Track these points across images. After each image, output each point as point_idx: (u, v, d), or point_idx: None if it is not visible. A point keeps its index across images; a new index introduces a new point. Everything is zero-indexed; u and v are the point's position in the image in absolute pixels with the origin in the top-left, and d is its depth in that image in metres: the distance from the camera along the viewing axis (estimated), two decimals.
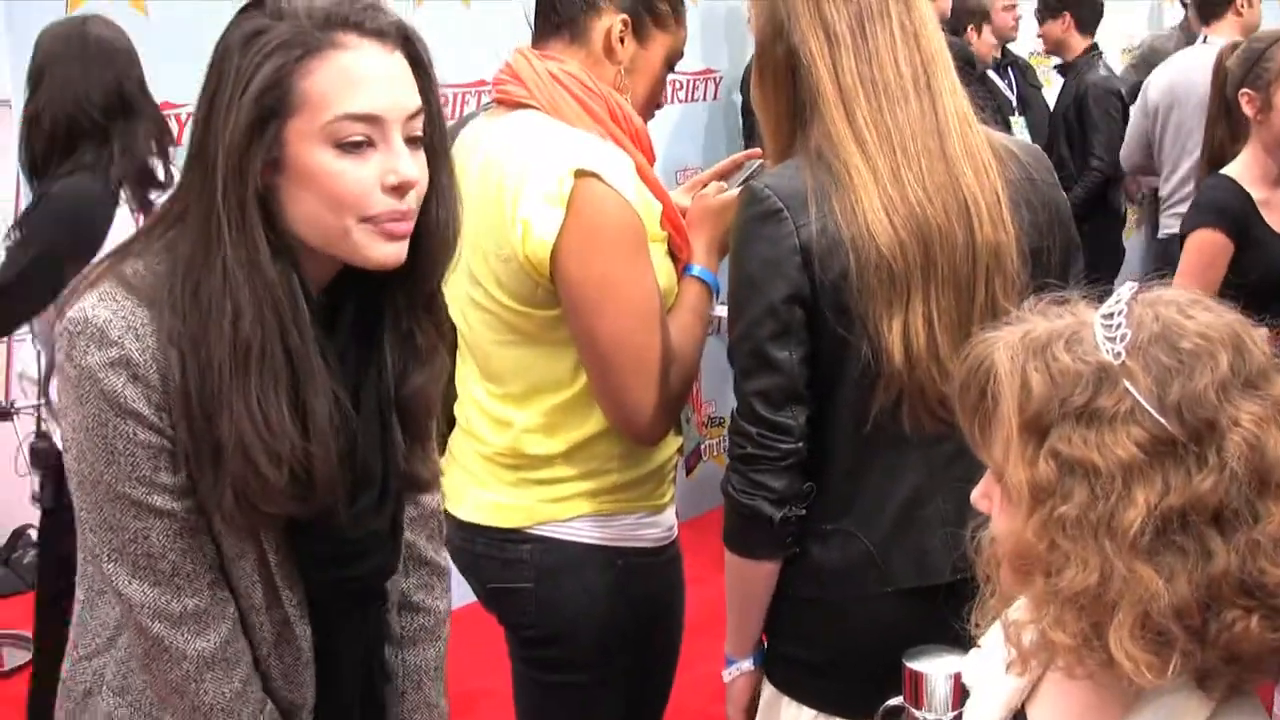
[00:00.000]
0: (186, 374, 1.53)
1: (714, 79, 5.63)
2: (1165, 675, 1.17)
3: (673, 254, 2.28)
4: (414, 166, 1.56)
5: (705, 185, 2.43)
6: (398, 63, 1.56)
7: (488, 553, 2.28)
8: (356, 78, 1.52)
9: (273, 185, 1.54)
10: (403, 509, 1.79)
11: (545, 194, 2.07)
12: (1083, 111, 5.96)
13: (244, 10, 1.56)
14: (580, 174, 2.07)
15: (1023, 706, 1.39)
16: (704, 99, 5.60)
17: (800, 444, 1.98)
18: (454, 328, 1.96)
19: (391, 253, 1.58)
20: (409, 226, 1.59)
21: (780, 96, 2.05)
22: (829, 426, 2.02)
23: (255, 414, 1.53)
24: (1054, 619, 1.21)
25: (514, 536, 2.26)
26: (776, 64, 2.04)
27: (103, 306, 1.53)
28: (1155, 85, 5.30)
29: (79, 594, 1.70)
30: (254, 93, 1.50)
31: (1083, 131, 5.97)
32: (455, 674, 3.79)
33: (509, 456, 2.26)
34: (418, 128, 1.58)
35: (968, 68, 2.12)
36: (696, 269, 2.28)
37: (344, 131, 1.52)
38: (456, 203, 1.68)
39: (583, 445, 2.23)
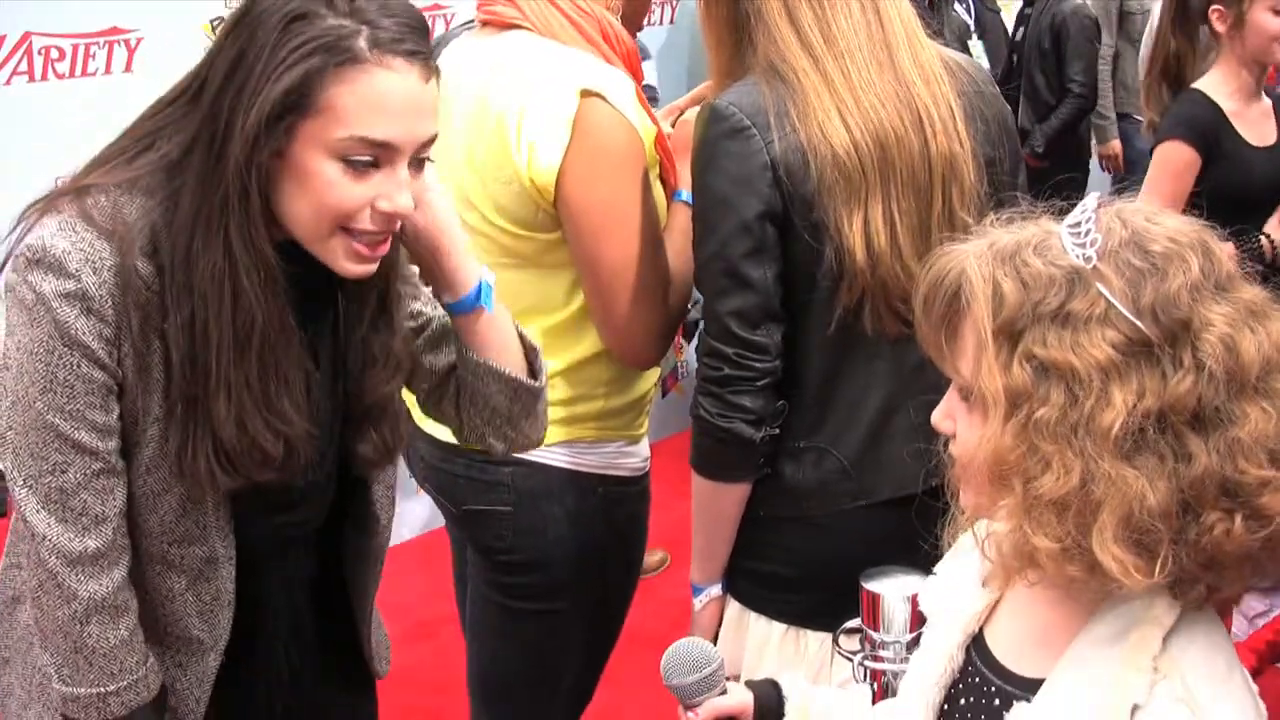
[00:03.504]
0: (167, 337, 1.54)
1: (670, 2, 5.57)
2: (1153, 575, 1.17)
3: (662, 179, 2.27)
4: (410, 199, 1.57)
5: (684, 111, 2.41)
6: (431, 89, 1.56)
7: (467, 474, 2.27)
8: (384, 103, 1.51)
9: (270, 170, 1.53)
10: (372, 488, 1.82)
11: (550, 115, 2.05)
12: (1060, 39, 6.07)
13: None
14: (586, 94, 2.06)
15: (980, 630, 1.39)
16: (661, 23, 5.55)
17: (777, 362, 1.99)
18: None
19: (361, 271, 1.60)
20: (385, 249, 1.60)
21: (721, 11, 2.06)
22: (801, 344, 2.02)
23: (256, 392, 1.55)
24: (1036, 524, 1.20)
25: (495, 459, 2.23)
26: None
27: (62, 236, 1.52)
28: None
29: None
30: (282, 89, 1.48)
31: (1060, 59, 6.09)
32: (417, 600, 3.83)
33: None
34: (426, 150, 1.58)
35: None
36: (685, 194, 2.25)
37: (354, 151, 1.52)
38: None
39: (573, 369, 2.22)
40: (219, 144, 1.51)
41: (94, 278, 1.52)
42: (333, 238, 1.57)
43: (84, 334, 1.53)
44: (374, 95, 1.50)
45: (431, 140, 1.58)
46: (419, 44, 1.54)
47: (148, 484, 1.63)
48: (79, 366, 1.54)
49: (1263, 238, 3.26)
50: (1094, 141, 6.56)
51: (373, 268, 1.61)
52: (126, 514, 1.63)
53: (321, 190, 1.53)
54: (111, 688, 1.63)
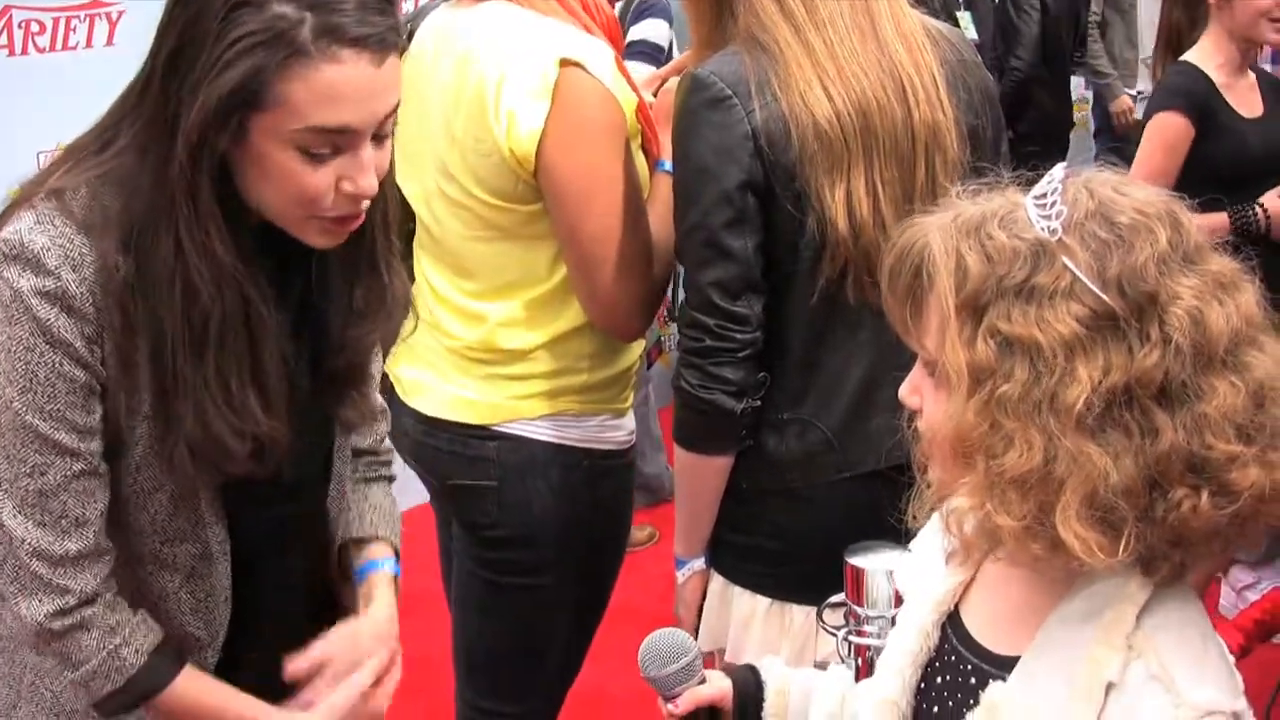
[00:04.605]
0: (135, 326, 1.50)
1: None
2: (1117, 554, 1.16)
3: (644, 149, 2.26)
4: (374, 180, 1.53)
5: (666, 81, 2.40)
6: (387, 70, 1.50)
7: (451, 449, 2.26)
8: (338, 94, 1.46)
9: (232, 156, 1.49)
10: (334, 449, 1.80)
11: (529, 84, 2.04)
12: (1006, 12, 6.10)
13: None
14: (565, 63, 2.05)
15: (956, 607, 1.38)
16: None
17: (758, 333, 1.99)
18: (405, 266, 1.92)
19: (332, 243, 1.58)
20: (357, 223, 1.57)
21: None
22: (783, 315, 2.02)
23: (215, 392, 1.52)
24: (998, 502, 1.19)
25: (480, 433, 2.24)
26: None
27: (39, 231, 1.48)
28: None
29: None
30: (227, 86, 1.43)
31: (1010, 32, 6.12)
32: (401, 575, 3.80)
33: (480, 351, 2.23)
34: (389, 125, 1.54)
35: None
36: (668, 163, 2.23)
37: (311, 142, 1.48)
38: (393, 176, 1.66)
39: (557, 341, 2.21)
40: (166, 141, 1.47)
41: (73, 275, 1.48)
42: (306, 221, 1.54)
43: (65, 332, 1.49)
44: (323, 88, 1.45)
45: (392, 113, 1.53)
46: (371, 24, 1.46)
47: (138, 482, 1.60)
48: (60, 365, 1.50)
49: (1258, 208, 3.25)
50: (1083, 110, 6.50)
51: (344, 238, 1.58)
52: (116, 515, 1.59)
53: (284, 178, 1.49)
54: (116, 640, 1.59)
